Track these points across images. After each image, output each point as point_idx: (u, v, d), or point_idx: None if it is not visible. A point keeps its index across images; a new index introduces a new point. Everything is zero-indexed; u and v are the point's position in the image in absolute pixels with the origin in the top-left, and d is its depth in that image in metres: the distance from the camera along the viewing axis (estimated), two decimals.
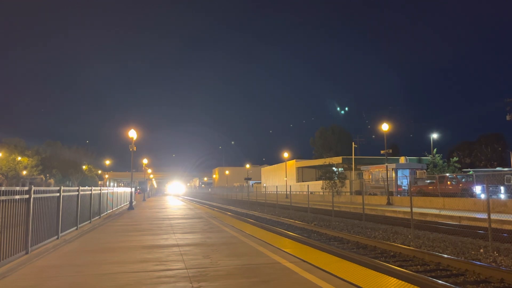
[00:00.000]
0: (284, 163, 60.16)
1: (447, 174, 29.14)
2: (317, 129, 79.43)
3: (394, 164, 36.73)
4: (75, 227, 11.93)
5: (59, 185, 13.77)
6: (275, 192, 39.86)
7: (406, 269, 9.24)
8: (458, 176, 27.31)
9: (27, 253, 7.62)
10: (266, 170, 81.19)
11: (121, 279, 5.83)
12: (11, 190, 6.92)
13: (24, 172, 69.49)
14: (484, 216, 15.31)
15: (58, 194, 9.86)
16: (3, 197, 6.52)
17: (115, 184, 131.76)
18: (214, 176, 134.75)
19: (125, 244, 9.50)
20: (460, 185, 24.97)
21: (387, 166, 32.18)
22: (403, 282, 5.83)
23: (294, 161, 63.69)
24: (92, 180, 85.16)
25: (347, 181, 40.86)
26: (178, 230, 12.28)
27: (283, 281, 5.59)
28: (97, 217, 16.07)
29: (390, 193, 28.79)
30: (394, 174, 33.55)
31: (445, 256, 10.37)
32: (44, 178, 73.16)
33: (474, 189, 23.89)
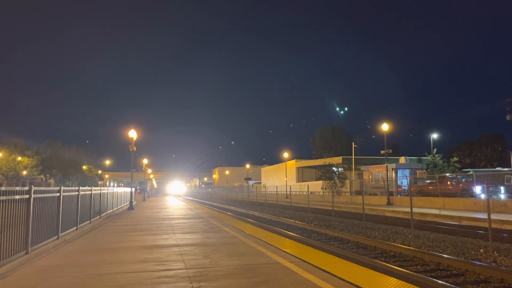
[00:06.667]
0: (284, 163, 60.15)
1: (447, 174, 29.14)
2: (317, 129, 79.55)
3: (394, 164, 36.71)
4: (75, 227, 11.93)
5: (59, 185, 13.77)
6: (275, 192, 39.85)
7: (406, 269, 9.24)
8: (458, 176, 27.30)
9: (27, 253, 7.62)
10: (266, 170, 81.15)
11: (121, 279, 5.83)
12: (11, 190, 6.92)
13: (24, 172, 69.49)
14: (484, 216, 15.31)
15: (58, 194, 9.86)
16: (3, 197, 6.53)
17: (115, 184, 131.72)
18: (214, 176, 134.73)
19: (125, 244, 9.49)
20: (460, 185, 24.97)
21: (387, 166, 32.18)
22: (403, 282, 5.83)
23: (294, 161, 63.67)
24: (92, 180, 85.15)
25: (347, 181, 40.85)
26: (178, 230, 12.28)
27: (283, 281, 5.60)
28: (97, 217, 16.08)
29: (390, 193, 28.79)
30: (394, 174, 33.54)
31: (445, 256, 10.37)
32: (44, 178, 73.11)
33: (474, 189, 23.89)
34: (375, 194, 33.63)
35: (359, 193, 35.96)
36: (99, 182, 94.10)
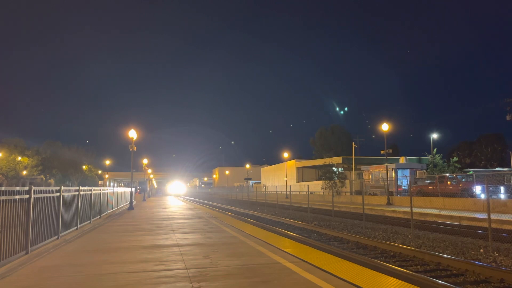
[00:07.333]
0: (284, 163, 60.15)
1: (447, 174, 29.14)
2: (317, 129, 79.51)
3: (394, 164, 36.73)
4: (75, 227, 11.94)
5: (59, 185, 13.77)
6: (275, 192, 39.86)
7: (406, 269, 9.24)
8: (458, 176, 27.31)
9: (27, 253, 7.62)
10: (266, 170, 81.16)
11: (121, 279, 5.83)
12: (11, 190, 6.92)
13: (24, 172, 69.43)
14: (484, 216, 15.31)
15: (58, 194, 9.87)
16: (3, 197, 6.53)
17: (115, 184, 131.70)
18: (214, 176, 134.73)
19: (125, 244, 9.50)
20: (460, 185, 24.97)
21: (387, 166, 32.18)
22: (403, 282, 5.83)
23: (294, 161, 63.68)
24: (92, 180, 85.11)
25: (347, 181, 40.87)
26: (178, 230, 12.28)
27: (283, 281, 5.60)
28: (97, 217, 16.08)
29: (390, 193, 28.79)
30: (394, 174, 33.55)
31: (445, 256, 10.37)
32: (44, 178, 73.11)
33: (474, 189, 23.89)
34: (375, 194, 33.63)
35: (359, 193, 35.96)
36: (99, 182, 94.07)
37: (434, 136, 49.97)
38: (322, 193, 41.87)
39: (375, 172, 36.43)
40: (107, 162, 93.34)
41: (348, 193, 39.62)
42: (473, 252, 11.37)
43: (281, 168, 63.84)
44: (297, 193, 45.50)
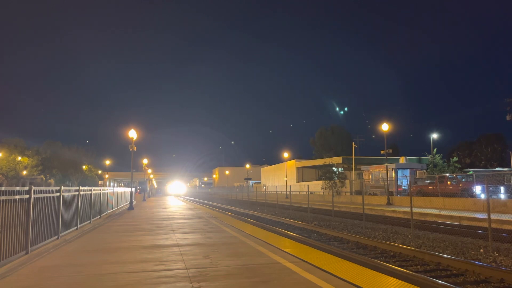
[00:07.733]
0: (284, 163, 60.14)
1: (447, 174, 29.14)
2: (317, 129, 79.55)
3: (394, 164, 36.72)
4: (75, 227, 11.94)
5: (59, 185, 13.77)
6: (275, 192, 39.87)
7: (406, 269, 9.24)
8: (458, 176, 27.31)
9: (27, 253, 7.62)
10: (266, 170, 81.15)
11: (121, 279, 5.83)
12: (11, 190, 6.92)
13: (24, 172, 69.42)
14: (484, 216, 15.31)
15: (58, 194, 9.86)
16: (3, 197, 6.53)
17: (115, 184, 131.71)
18: (214, 176, 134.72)
19: (125, 244, 9.50)
20: (460, 185, 24.97)
21: (387, 166, 32.18)
22: (403, 282, 5.82)
23: (294, 161, 63.67)
24: (92, 180, 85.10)
25: (347, 181, 40.86)
26: (178, 230, 12.28)
27: (283, 281, 5.60)
28: (97, 217, 16.08)
29: (390, 193, 28.79)
30: (394, 174, 33.54)
31: (445, 256, 10.37)
32: (44, 178, 73.09)
33: (474, 189, 23.89)
34: (375, 194, 33.63)
35: (359, 193, 35.96)
36: (99, 182, 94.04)
37: (434, 136, 50.00)
38: (322, 193, 41.87)
39: (375, 172, 36.42)
40: (107, 162, 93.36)
41: (348, 193, 39.62)
42: (473, 252, 11.37)
43: (281, 168, 63.83)
44: (297, 193, 45.49)
